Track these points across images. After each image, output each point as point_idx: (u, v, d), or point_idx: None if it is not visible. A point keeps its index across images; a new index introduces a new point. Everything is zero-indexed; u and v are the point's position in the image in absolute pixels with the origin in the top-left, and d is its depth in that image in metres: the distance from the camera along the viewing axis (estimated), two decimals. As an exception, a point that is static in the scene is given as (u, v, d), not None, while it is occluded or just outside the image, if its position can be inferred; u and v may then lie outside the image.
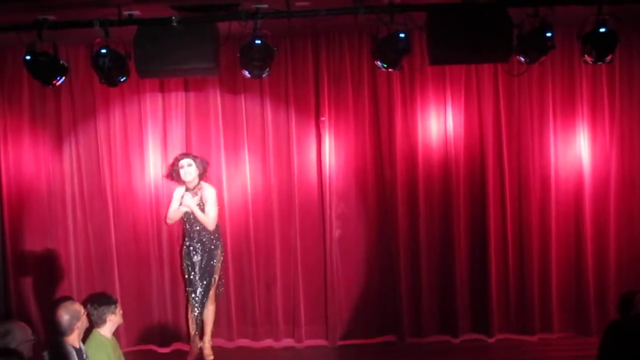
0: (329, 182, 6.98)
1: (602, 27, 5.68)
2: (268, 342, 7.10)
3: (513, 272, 7.06)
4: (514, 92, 7.01)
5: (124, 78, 5.83)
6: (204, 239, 6.61)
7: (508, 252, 7.05)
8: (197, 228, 6.60)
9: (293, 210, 7.03)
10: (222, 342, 7.06)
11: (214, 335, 6.83)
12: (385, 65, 5.86)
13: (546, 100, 7.00)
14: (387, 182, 7.03)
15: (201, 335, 6.76)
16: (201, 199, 6.59)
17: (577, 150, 7.05)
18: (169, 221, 6.75)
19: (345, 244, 7.06)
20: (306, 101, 7.00)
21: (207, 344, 6.74)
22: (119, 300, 5.30)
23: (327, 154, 6.97)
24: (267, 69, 5.83)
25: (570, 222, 7.07)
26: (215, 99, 7.02)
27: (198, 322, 6.64)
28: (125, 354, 5.46)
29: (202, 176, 6.67)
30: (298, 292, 7.07)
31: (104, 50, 5.58)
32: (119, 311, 5.21)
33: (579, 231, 7.05)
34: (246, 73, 5.85)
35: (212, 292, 6.64)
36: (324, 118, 6.95)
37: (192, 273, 6.59)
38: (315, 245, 7.07)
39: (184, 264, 6.67)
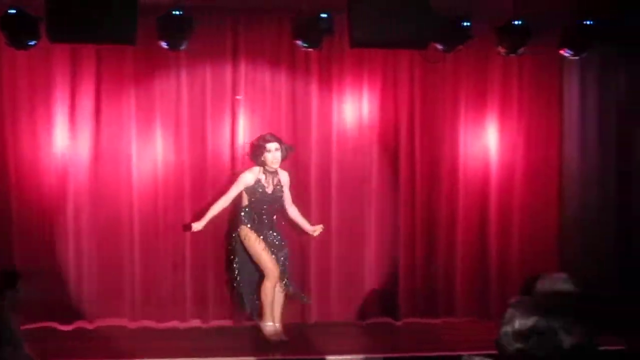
0: (242, 161, 6.87)
1: (516, 20, 5.91)
2: (174, 323, 6.94)
3: (420, 258, 7.19)
4: (429, 82, 7.13)
5: (34, 42, 5.60)
6: (275, 223, 6.57)
7: (415, 239, 7.18)
8: (274, 213, 6.55)
9: (205, 189, 6.91)
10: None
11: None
12: (306, 45, 5.86)
13: (459, 91, 7.17)
14: (300, 164, 7.01)
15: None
16: (278, 184, 6.48)
17: (485, 142, 7.26)
18: (217, 209, 6.47)
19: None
20: (222, 78, 6.88)
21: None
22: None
23: (241, 133, 6.89)
24: (185, 42, 5.74)
25: (476, 211, 7.27)
26: (130, 71, 6.79)
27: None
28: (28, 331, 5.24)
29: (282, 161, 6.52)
30: (207, 274, 6.96)
31: (12, 11, 5.35)
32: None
33: (484, 221, 7.26)
34: (163, 44, 5.74)
35: None
36: (240, 97, 6.87)
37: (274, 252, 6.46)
38: (226, 225, 6.94)
39: (260, 247, 6.42)
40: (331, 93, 7.04)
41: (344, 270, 7.13)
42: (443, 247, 7.21)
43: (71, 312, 6.82)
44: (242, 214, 6.50)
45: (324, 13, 5.64)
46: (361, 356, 6.10)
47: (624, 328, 6.09)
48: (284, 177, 6.56)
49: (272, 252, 6.44)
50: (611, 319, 6.06)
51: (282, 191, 6.53)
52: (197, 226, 6.50)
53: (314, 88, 6.98)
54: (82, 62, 6.75)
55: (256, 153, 6.45)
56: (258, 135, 6.64)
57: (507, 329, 2.76)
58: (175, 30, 5.62)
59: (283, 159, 6.48)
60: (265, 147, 6.38)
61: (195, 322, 6.96)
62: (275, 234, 6.53)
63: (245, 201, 6.51)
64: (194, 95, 6.89)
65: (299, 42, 5.86)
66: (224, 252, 6.96)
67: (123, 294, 6.86)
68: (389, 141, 7.14)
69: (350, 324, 7.06)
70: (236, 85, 6.89)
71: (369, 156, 7.09)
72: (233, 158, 6.95)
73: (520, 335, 2.73)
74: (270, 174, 6.45)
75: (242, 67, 6.87)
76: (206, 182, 6.92)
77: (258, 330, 6.56)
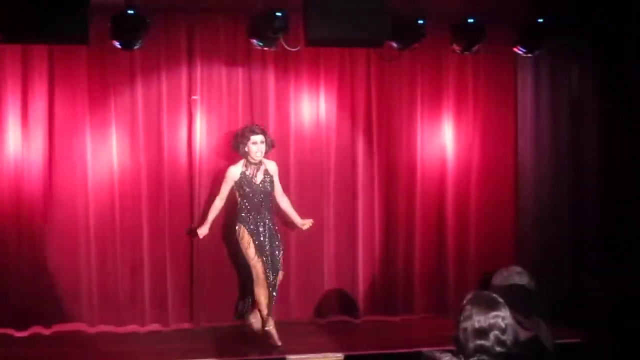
0: (199, 162, 6.85)
1: (470, 19, 5.99)
2: (133, 327, 6.84)
3: (379, 256, 7.24)
4: (385, 80, 7.18)
5: (-16, 43, 5.49)
6: (269, 215, 6.40)
7: (374, 238, 7.22)
8: (267, 205, 6.39)
9: (162, 191, 6.84)
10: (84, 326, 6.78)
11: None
12: (261, 44, 5.85)
13: (415, 89, 7.23)
14: (259, 164, 7.00)
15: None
16: (266, 174, 6.35)
17: (442, 140, 7.33)
18: (214, 211, 6.43)
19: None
20: (178, 79, 6.82)
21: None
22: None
23: (197, 133, 6.83)
24: (139, 41, 5.68)
25: (434, 210, 7.33)
26: (83, 71, 6.65)
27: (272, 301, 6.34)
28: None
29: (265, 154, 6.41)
30: (164, 276, 6.88)
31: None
32: None
33: (441, 219, 7.33)
34: (117, 44, 5.67)
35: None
36: (196, 97, 6.81)
37: (268, 252, 6.29)
38: (184, 227, 6.90)
39: (254, 245, 6.27)
40: (288, 92, 7.04)
41: (303, 269, 7.13)
42: (401, 245, 7.25)
43: (27, 317, 6.67)
44: (238, 211, 6.43)
45: (279, 11, 5.63)
46: (321, 355, 6.11)
47: (579, 321, 6.22)
48: (272, 166, 6.48)
49: (266, 255, 6.30)
50: (567, 313, 6.22)
51: (272, 180, 6.44)
52: (202, 231, 6.46)
53: (270, 87, 6.97)
54: (34, 63, 6.60)
55: (240, 144, 6.37)
56: (214, 134, 6.61)
57: (466, 325, 2.78)
58: (128, 30, 5.55)
59: (266, 152, 6.43)
60: (250, 139, 6.31)
61: (155, 326, 6.88)
62: (273, 235, 6.38)
63: (238, 198, 6.43)
64: (149, 96, 6.81)
65: (255, 41, 5.84)
66: (181, 255, 6.92)
67: (80, 298, 6.74)
68: (346, 140, 7.16)
69: (310, 323, 7.07)
70: (192, 85, 6.83)
71: (326, 155, 7.11)
72: (190, 159, 6.88)
73: (480, 332, 2.75)
74: (254, 165, 6.37)
75: (198, 67, 6.81)
76: (163, 183, 6.84)
77: (220, 330, 6.55)
